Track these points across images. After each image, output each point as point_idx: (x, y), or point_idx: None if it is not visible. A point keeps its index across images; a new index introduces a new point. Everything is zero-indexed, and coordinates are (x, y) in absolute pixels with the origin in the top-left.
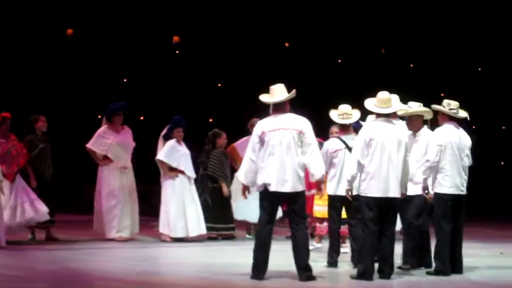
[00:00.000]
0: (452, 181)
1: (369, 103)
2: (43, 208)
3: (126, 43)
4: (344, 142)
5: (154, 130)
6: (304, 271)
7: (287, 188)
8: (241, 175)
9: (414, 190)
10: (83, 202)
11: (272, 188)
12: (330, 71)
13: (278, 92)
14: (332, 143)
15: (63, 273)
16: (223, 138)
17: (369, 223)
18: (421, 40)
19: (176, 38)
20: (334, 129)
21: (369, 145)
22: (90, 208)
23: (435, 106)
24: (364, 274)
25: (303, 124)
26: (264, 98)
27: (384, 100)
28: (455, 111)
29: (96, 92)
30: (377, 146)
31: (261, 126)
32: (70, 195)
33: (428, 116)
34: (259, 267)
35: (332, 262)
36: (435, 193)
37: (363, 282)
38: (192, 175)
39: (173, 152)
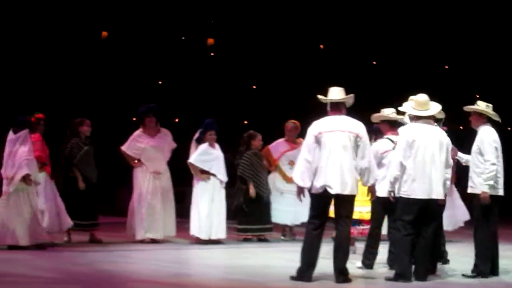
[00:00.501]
0: (497, 183)
1: (407, 106)
2: (67, 220)
3: (161, 45)
4: (393, 142)
5: (189, 132)
6: (341, 273)
7: (346, 191)
8: (297, 177)
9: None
10: (115, 204)
11: (333, 191)
12: (365, 72)
13: (337, 93)
14: (382, 144)
15: (96, 275)
16: (258, 140)
17: (407, 225)
18: (457, 41)
19: (210, 40)
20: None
21: (412, 146)
22: (122, 210)
23: (470, 107)
24: (401, 275)
25: (359, 127)
26: (322, 97)
27: (423, 102)
28: (494, 113)
29: (130, 95)
30: (419, 147)
31: (317, 126)
32: (103, 197)
33: (440, 116)
34: (304, 271)
35: (368, 264)
36: (476, 195)
37: (399, 284)
38: (224, 178)
39: (204, 156)
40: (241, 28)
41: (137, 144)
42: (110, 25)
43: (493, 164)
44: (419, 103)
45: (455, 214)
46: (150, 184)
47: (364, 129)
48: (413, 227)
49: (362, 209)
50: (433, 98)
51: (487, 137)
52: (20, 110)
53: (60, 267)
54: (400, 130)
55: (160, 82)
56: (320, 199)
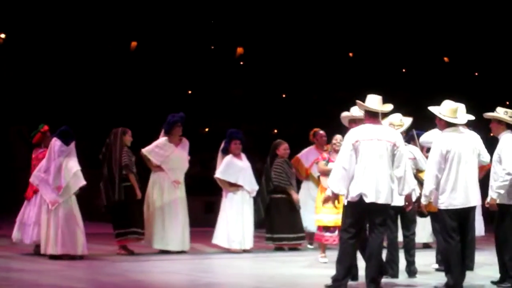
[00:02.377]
0: None
1: (437, 111)
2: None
3: (190, 55)
4: None
5: (219, 142)
6: (372, 282)
7: (381, 199)
8: (333, 184)
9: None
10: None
11: (368, 200)
12: (395, 80)
13: (375, 102)
14: None
15: (128, 285)
16: (281, 149)
17: (453, 233)
18: (486, 47)
19: (240, 50)
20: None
21: (446, 158)
22: None
23: (489, 114)
24: (454, 286)
25: (396, 137)
26: (361, 103)
27: (454, 110)
28: None
29: (160, 104)
30: (454, 158)
31: (355, 134)
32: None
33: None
34: (340, 280)
35: (393, 273)
36: (504, 205)
37: None
38: (250, 188)
39: (230, 169)
40: (271, 37)
41: (161, 151)
42: (139, 35)
43: (509, 173)
44: (450, 111)
45: None
46: (165, 194)
47: (401, 138)
48: (457, 235)
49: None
50: (464, 104)
51: (506, 145)
52: (53, 121)
53: (92, 277)
54: (434, 140)
55: (189, 92)
56: (356, 208)
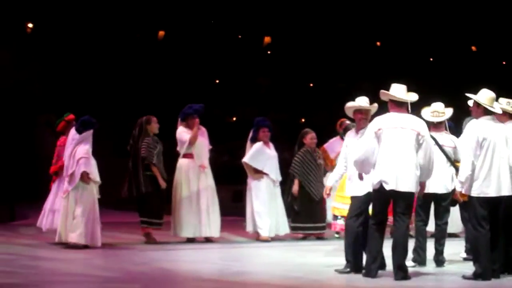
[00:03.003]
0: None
1: (476, 98)
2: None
3: (217, 44)
4: (435, 139)
5: (246, 130)
6: (399, 270)
7: (403, 187)
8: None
9: None
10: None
11: (388, 187)
12: (422, 69)
13: (401, 91)
14: None
15: (156, 274)
16: (308, 138)
17: (483, 222)
18: None
19: (267, 39)
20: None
21: (482, 145)
22: None
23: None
24: (482, 275)
25: (421, 126)
26: (385, 92)
27: (492, 99)
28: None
29: (188, 93)
30: (489, 146)
31: (378, 122)
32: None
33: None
34: (369, 265)
35: (420, 261)
36: None
37: (480, 283)
38: (277, 177)
39: (259, 155)
40: (298, 26)
41: (182, 138)
42: (167, 24)
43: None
44: (490, 99)
45: None
46: (194, 181)
47: (426, 128)
48: (487, 223)
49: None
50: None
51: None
52: (81, 110)
53: (118, 266)
54: (468, 127)
55: (217, 81)
56: (378, 195)
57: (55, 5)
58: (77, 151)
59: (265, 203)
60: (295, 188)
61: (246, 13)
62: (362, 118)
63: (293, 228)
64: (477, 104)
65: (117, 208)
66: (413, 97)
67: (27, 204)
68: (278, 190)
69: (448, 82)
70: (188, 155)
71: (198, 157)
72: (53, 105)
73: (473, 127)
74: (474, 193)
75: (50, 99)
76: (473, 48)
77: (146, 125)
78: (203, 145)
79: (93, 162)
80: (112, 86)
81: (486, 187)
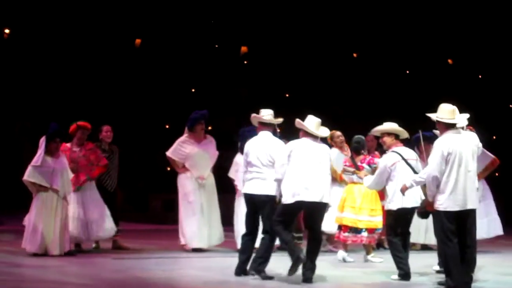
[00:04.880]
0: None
1: (434, 116)
2: (110, 225)
3: (194, 53)
4: (400, 154)
5: (223, 140)
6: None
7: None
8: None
9: None
10: (149, 211)
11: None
12: (398, 81)
13: (314, 124)
14: (389, 158)
15: (130, 282)
16: None
17: (450, 236)
18: (491, 50)
19: (244, 49)
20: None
21: (447, 159)
22: (155, 218)
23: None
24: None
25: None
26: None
27: (451, 111)
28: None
29: (163, 102)
30: (455, 160)
31: (447, 144)
32: (136, 204)
33: (404, 135)
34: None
35: (404, 274)
36: None
37: None
38: None
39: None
40: (275, 36)
41: (181, 149)
42: (143, 32)
43: None
44: (449, 112)
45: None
46: (191, 191)
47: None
48: (455, 237)
49: (372, 219)
50: (465, 107)
51: None
52: (55, 118)
53: (92, 273)
54: (435, 142)
55: (193, 90)
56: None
57: (32, 12)
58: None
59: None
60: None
61: (223, 22)
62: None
63: None
64: (437, 121)
65: None
66: (324, 132)
67: (3, 211)
68: None
69: (424, 94)
70: (185, 168)
71: (196, 168)
72: (29, 112)
73: (439, 142)
74: (441, 207)
75: (26, 105)
76: (450, 61)
77: (98, 134)
78: (202, 156)
79: (49, 170)
80: (89, 94)
81: (452, 201)
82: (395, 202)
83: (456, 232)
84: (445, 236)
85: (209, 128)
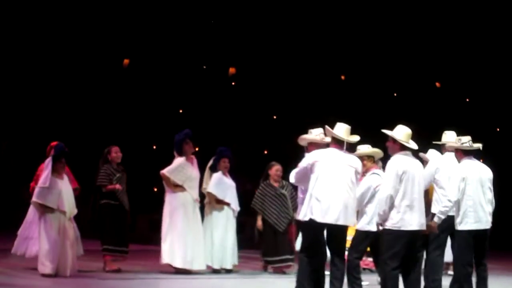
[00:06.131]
0: (475, 216)
1: (392, 134)
2: (80, 250)
3: (182, 74)
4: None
5: (206, 161)
6: None
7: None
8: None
9: None
10: (136, 232)
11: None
12: (386, 104)
13: (343, 130)
14: (373, 179)
15: None
16: (273, 170)
17: (396, 258)
18: (478, 74)
19: (232, 70)
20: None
21: (401, 179)
22: (142, 238)
23: (451, 144)
24: None
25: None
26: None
27: (409, 135)
28: (467, 144)
29: (151, 122)
30: (408, 180)
31: (401, 164)
32: None
33: (378, 156)
34: None
35: None
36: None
37: None
38: (237, 207)
39: (220, 184)
40: (263, 58)
41: (183, 171)
42: (132, 53)
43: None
44: (407, 135)
45: None
46: (191, 211)
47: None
48: (399, 260)
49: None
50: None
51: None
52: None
53: None
54: (388, 163)
55: (181, 111)
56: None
57: (17, 31)
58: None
59: (223, 234)
60: (259, 223)
61: (211, 43)
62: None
63: (265, 262)
64: (393, 140)
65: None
66: (354, 138)
67: None
68: (234, 221)
69: (412, 117)
70: (179, 189)
71: (193, 190)
72: (11, 131)
73: (392, 162)
74: (395, 226)
75: (10, 125)
76: (437, 84)
77: (107, 154)
78: (196, 179)
79: (56, 191)
80: (76, 114)
81: (406, 220)
82: (374, 224)
83: (403, 252)
84: (389, 257)
85: (196, 149)
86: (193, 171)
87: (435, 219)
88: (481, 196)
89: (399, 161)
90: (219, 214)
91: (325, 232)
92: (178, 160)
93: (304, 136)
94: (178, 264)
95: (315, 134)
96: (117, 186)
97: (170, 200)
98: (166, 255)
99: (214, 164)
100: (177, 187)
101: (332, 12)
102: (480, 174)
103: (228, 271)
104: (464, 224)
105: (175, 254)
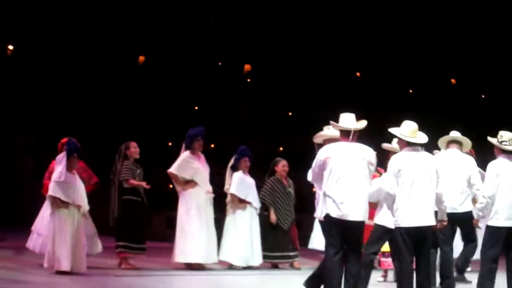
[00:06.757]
0: (507, 214)
1: (398, 132)
2: (99, 242)
3: (197, 70)
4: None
5: (224, 158)
6: None
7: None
8: None
9: None
10: (151, 229)
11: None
12: (401, 101)
13: (347, 120)
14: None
15: None
16: (280, 166)
17: (404, 252)
18: (494, 70)
19: (247, 67)
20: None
21: (399, 176)
22: (158, 235)
23: (490, 139)
24: None
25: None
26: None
27: (414, 130)
28: (507, 143)
29: (166, 119)
30: (407, 177)
31: (402, 161)
32: None
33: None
34: None
35: None
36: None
37: None
38: (258, 205)
39: (242, 184)
40: (278, 55)
41: (189, 165)
42: (147, 49)
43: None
44: (412, 131)
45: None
46: (204, 205)
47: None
48: (409, 255)
49: None
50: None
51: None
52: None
53: None
54: (391, 159)
55: (196, 108)
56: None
57: (35, 28)
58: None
59: (248, 232)
60: (273, 218)
61: (227, 40)
62: None
63: (263, 257)
64: (400, 137)
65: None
66: (360, 125)
67: (5, 227)
68: (257, 220)
69: (427, 114)
70: (190, 186)
71: (204, 183)
72: (32, 128)
73: (394, 159)
74: (396, 223)
75: (29, 121)
76: (453, 80)
77: (125, 150)
78: (205, 172)
79: (71, 186)
80: (92, 111)
81: (405, 218)
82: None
83: (410, 250)
84: (399, 253)
85: (212, 146)
86: (200, 164)
87: (475, 215)
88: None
89: (400, 159)
90: (242, 213)
91: None
92: (182, 155)
93: (322, 132)
94: (191, 259)
95: (334, 130)
96: (144, 184)
97: (184, 200)
98: (179, 254)
99: (235, 164)
100: (187, 184)
101: (347, 9)
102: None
103: (248, 268)
104: (495, 220)
105: (187, 251)
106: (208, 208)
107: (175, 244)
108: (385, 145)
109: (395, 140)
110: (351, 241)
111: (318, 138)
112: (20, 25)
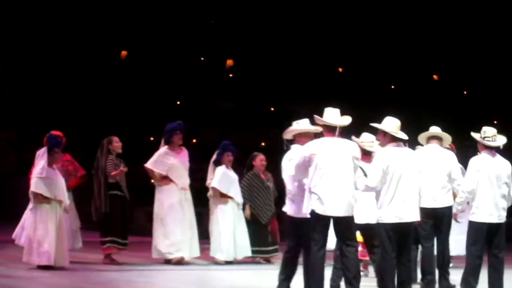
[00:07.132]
0: (487, 210)
1: (382, 127)
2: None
3: (180, 65)
4: (362, 169)
5: (206, 153)
6: None
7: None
8: None
9: None
10: (133, 223)
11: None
12: (382, 96)
13: (332, 115)
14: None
15: None
16: (258, 160)
17: (388, 248)
18: (476, 66)
19: (229, 62)
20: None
21: (386, 172)
22: (140, 230)
23: (473, 134)
24: None
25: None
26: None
27: (398, 126)
28: (490, 139)
29: (149, 114)
30: (394, 173)
31: (388, 156)
32: None
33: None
34: None
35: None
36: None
37: None
38: (241, 200)
39: (224, 179)
40: (261, 50)
41: (164, 160)
42: (130, 44)
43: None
44: (396, 126)
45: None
46: (178, 202)
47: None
48: (393, 251)
49: None
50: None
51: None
52: (44, 128)
53: (76, 285)
54: (375, 156)
55: (178, 102)
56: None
57: (16, 22)
58: (33, 171)
59: (230, 226)
60: (247, 212)
61: (209, 35)
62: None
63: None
64: (383, 132)
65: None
66: (346, 120)
67: None
68: (241, 213)
69: (409, 110)
70: (167, 182)
71: (179, 179)
72: (13, 121)
73: (379, 155)
74: (380, 219)
75: (10, 115)
76: (435, 76)
77: (108, 145)
78: (182, 168)
79: (52, 181)
80: (73, 105)
81: (390, 214)
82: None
83: (394, 245)
84: (382, 249)
85: (194, 141)
86: (176, 160)
87: (454, 209)
88: (495, 190)
89: (386, 155)
90: (224, 208)
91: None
92: (159, 150)
93: (292, 128)
94: (166, 256)
95: (305, 124)
96: (122, 167)
97: (159, 196)
98: (154, 250)
99: (218, 158)
100: (163, 180)
101: (330, 5)
102: (496, 168)
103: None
104: (476, 215)
105: (162, 247)
106: (185, 203)
107: (154, 242)
108: (354, 139)
109: (363, 135)
110: (342, 235)
111: (287, 134)
112: (0, 19)
